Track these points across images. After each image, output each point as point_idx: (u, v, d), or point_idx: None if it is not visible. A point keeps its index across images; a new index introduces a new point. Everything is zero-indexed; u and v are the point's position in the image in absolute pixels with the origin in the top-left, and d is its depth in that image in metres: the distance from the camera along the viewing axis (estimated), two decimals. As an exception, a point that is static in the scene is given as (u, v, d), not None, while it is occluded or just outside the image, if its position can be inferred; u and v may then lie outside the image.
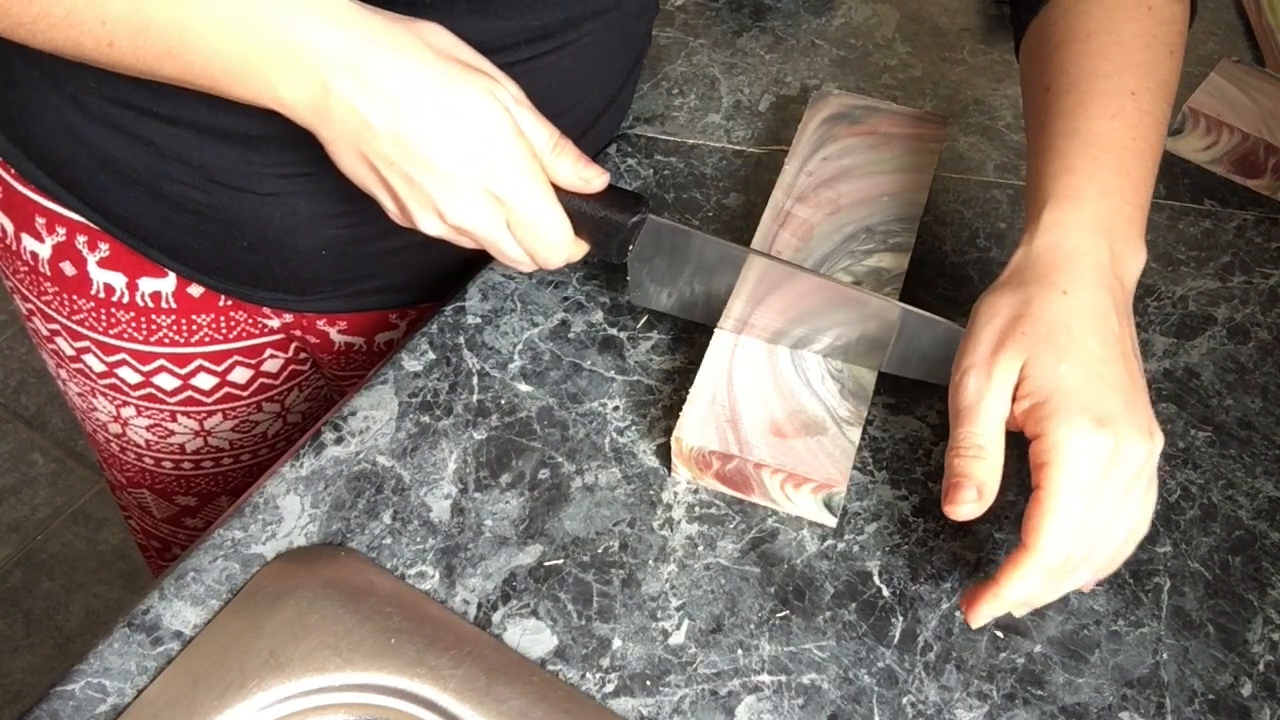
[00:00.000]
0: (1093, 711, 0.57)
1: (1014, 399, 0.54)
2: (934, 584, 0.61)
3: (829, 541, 0.62)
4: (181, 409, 0.81)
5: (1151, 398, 0.56)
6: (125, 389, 0.80)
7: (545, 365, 0.69)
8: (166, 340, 0.77)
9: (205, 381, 0.80)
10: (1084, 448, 0.51)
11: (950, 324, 0.63)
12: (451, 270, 0.76)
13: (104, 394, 0.81)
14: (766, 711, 0.56)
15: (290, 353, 0.83)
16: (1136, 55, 0.61)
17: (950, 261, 0.76)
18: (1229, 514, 0.65)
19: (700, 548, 0.61)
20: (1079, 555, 0.52)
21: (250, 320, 0.79)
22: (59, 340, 0.80)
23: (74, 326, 0.77)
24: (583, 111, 0.74)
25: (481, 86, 0.55)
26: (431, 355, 0.69)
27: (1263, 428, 0.69)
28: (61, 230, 0.73)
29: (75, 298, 0.75)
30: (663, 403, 0.67)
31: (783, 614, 0.59)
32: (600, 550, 0.61)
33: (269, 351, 0.81)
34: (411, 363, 0.69)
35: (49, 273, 0.75)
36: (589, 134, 0.76)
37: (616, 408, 0.67)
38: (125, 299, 0.75)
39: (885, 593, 0.60)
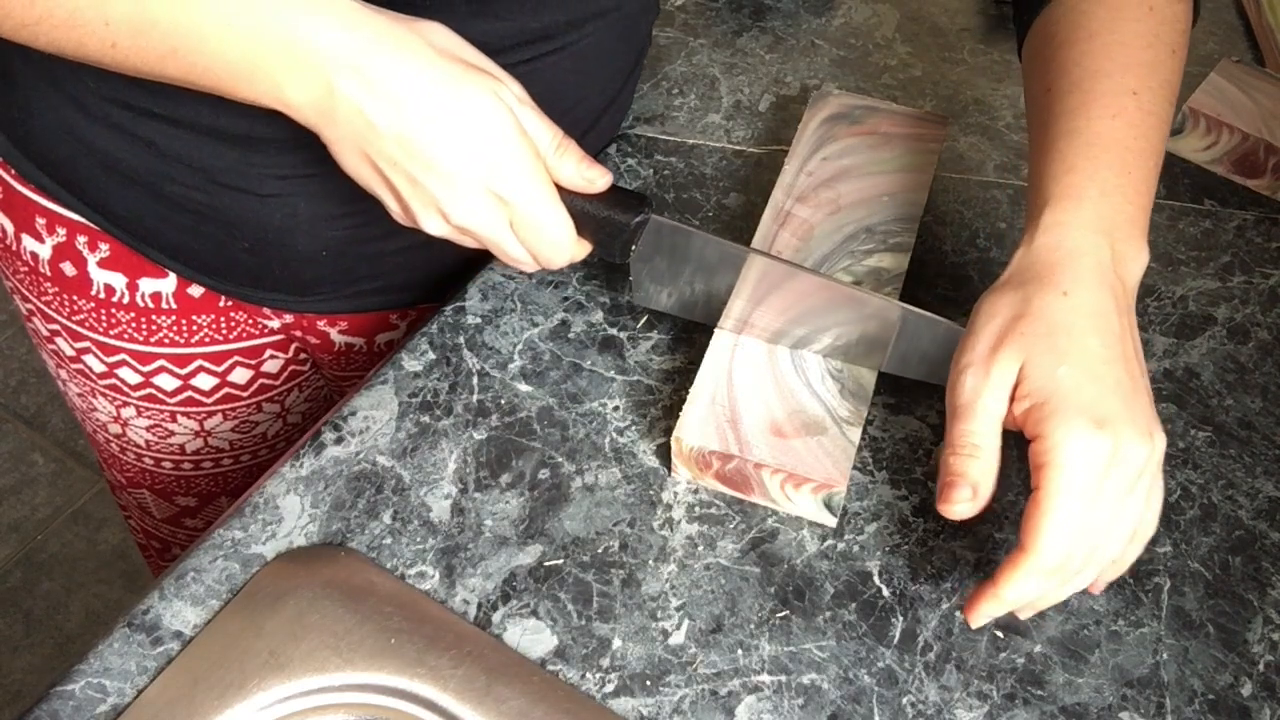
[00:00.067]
0: (1093, 711, 0.57)
1: (1013, 399, 0.54)
2: (934, 584, 0.61)
3: (829, 541, 0.62)
4: (181, 409, 0.81)
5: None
6: (125, 389, 0.80)
7: (545, 365, 0.69)
8: (167, 341, 0.77)
9: (205, 382, 0.80)
10: (1082, 449, 0.51)
11: (950, 324, 0.63)
12: (452, 271, 0.76)
13: (104, 394, 0.81)
14: (766, 711, 0.56)
15: (290, 353, 0.83)
16: (1138, 55, 0.61)
17: (950, 261, 0.76)
18: (1229, 514, 0.65)
19: (700, 548, 0.61)
20: (1079, 557, 0.52)
21: (250, 321, 0.79)
22: (59, 341, 0.80)
23: (74, 327, 0.77)
24: (583, 112, 0.74)
25: (485, 86, 0.55)
26: (431, 355, 0.69)
27: (1263, 428, 0.69)
28: (62, 230, 0.73)
29: (75, 298, 0.75)
30: (663, 403, 0.67)
31: (783, 614, 0.59)
32: (600, 550, 0.61)
33: (269, 352, 0.81)
34: (411, 363, 0.69)
35: (49, 273, 0.75)
36: (589, 134, 0.76)
37: (616, 408, 0.67)
38: (125, 299, 0.75)
39: (885, 593, 0.60)
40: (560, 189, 0.60)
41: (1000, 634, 0.59)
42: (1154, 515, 0.55)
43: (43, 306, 0.78)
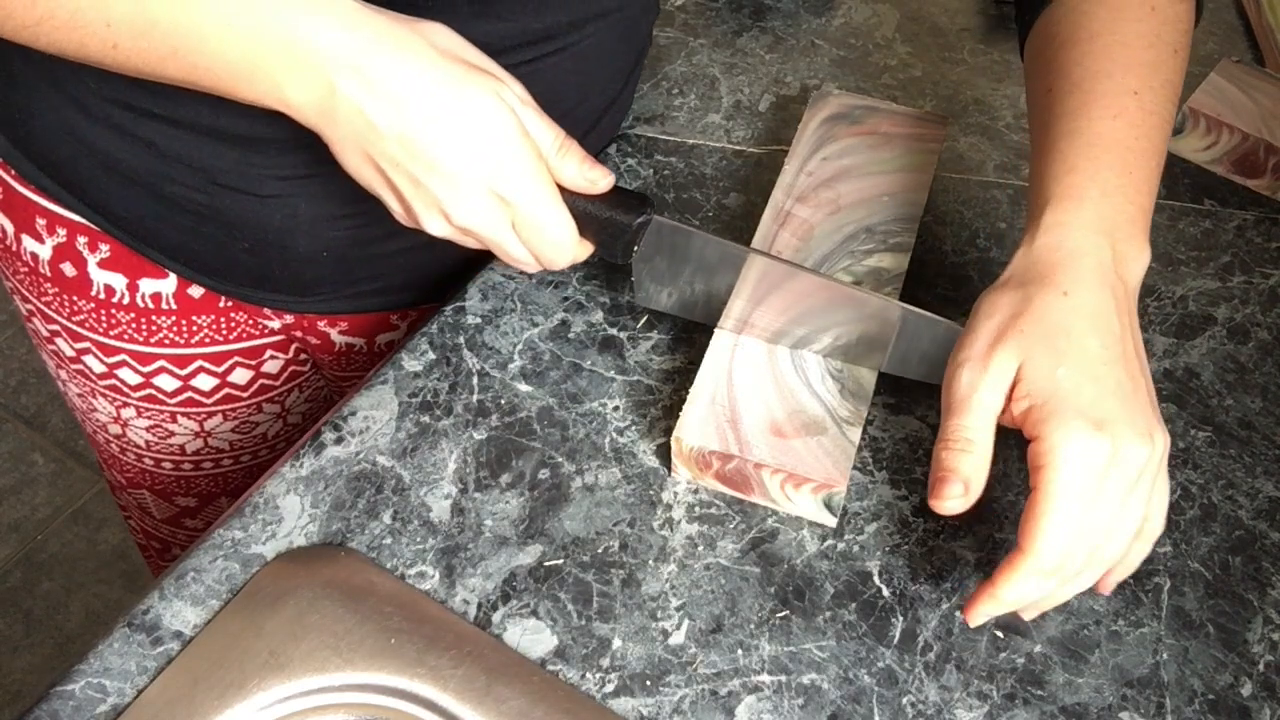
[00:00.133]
0: (1093, 711, 0.57)
1: (1012, 399, 0.54)
2: (934, 584, 0.61)
3: (829, 541, 0.62)
4: (182, 410, 0.81)
5: (1151, 398, 0.56)
6: (125, 390, 0.80)
7: (545, 365, 0.69)
8: (167, 341, 0.77)
9: (205, 382, 0.80)
10: (1080, 451, 0.51)
11: (950, 323, 0.63)
12: (452, 271, 0.76)
13: (104, 395, 0.81)
14: (766, 711, 0.56)
15: (290, 354, 0.83)
16: (1140, 55, 0.61)
17: (950, 261, 0.76)
18: (1229, 514, 0.65)
19: (700, 548, 0.61)
20: (1079, 558, 0.52)
21: (250, 321, 0.79)
22: (59, 341, 0.80)
23: (74, 327, 0.77)
24: (584, 112, 0.74)
25: (487, 87, 0.55)
26: (431, 355, 0.69)
27: (1263, 428, 0.69)
28: (62, 231, 0.73)
29: (75, 299, 0.75)
30: (663, 403, 0.67)
31: (783, 614, 0.59)
32: (600, 550, 0.61)
33: (269, 352, 0.81)
34: (411, 363, 0.69)
35: (49, 274, 0.75)
36: (590, 135, 0.76)
37: (616, 408, 0.67)
38: (125, 300, 0.75)
39: (885, 593, 0.60)
40: (562, 190, 0.60)
41: (1000, 634, 0.59)
42: (1160, 514, 0.55)
43: (43, 307, 0.78)
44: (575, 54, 0.68)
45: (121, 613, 0.58)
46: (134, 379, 0.79)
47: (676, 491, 0.64)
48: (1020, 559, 0.52)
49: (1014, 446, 0.55)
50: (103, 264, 0.73)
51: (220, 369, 0.80)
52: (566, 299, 0.72)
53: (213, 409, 0.82)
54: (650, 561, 0.61)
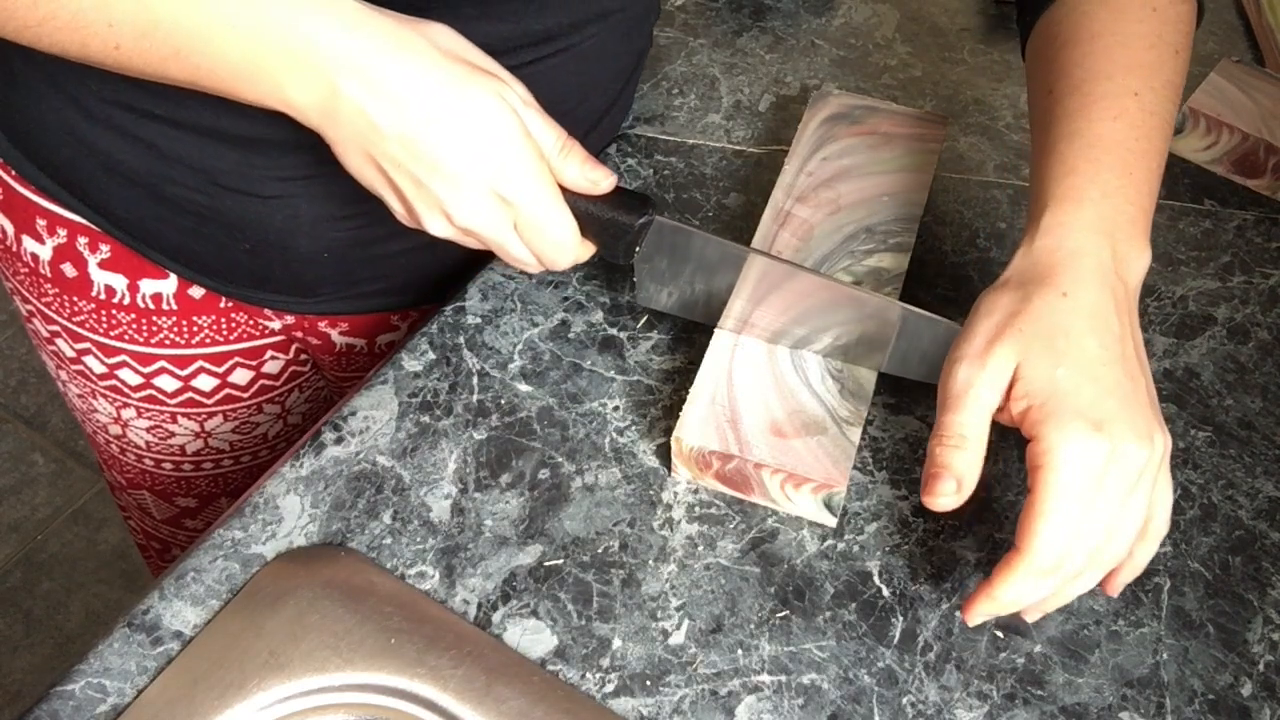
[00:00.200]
0: (1093, 711, 0.57)
1: (1010, 398, 0.54)
2: (934, 584, 0.61)
3: (829, 541, 0.62)
4: (182, 410, 0.81)
5: (1151, 398, 0.56)
6: (125, 390, 0.80)
7: (545, 365, 0.69)
8: (167, 342, 0.77)
9: (206, 383, 0.80)
10: (1078, 452, 0.51)
11: (950, 323, 0.63)
12: (453, 272, 0.76)
13: (104, 395, 0.81)
14: (766, 711, 0.56)
15: (291, 354, 0.83)
16: (1140, 56, 0.61)
17: (950, 261, 0.76)
18: (1229, 514, 0.65)
19: (700, 548, 0.61)
20: (1078, 559, 0.52)
21: (251, 322, 0.79)
22: (59, 342, 0.80)
23: (74, 328, 0.77)
24: (585, 113, 0.74)
25: (489, 88, 0.55)
26: (431, 355, 0.69)
27: (1263, 428, 0.69)
28: (62, 232, 0.73)
29: (76, 299, 0.75)
30: (663, 403, 0.67)
31: (783, 614, 0.59)
32: (600, 550, 0.61)
33: (270, 353, 0.81)
34: (411, 363, 0.69)
35: (49, 274, 0.75)
36: (591, 135, 0.76)
37: (616, 408, 0.67)
38: (126, 300, 0.75)
39: (885, 593, 0.60)
40: (564, 190, 0.60)
41: (1000, 634, 0.59)
42: (1164, 514, 0.54)
43: (43, 308, 0.78)
44: (576, 55, 0.68)
45: (121, 613, 0.58)
46: (134, 379, 0.79)
47: (676, 491, 0.64)
48: (1017, 559, 0.52)
49: (1014, 446, 0.55)
50: (103, 264, 0.73)
51: (221, 369, 0.80)
52: (566, 299, 0.72)
53: (213, 409, 0.82)
54: (650, 561, 0.61)
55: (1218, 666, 0.59)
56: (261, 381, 0.82)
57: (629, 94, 0.80)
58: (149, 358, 0.78)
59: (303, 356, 0.84)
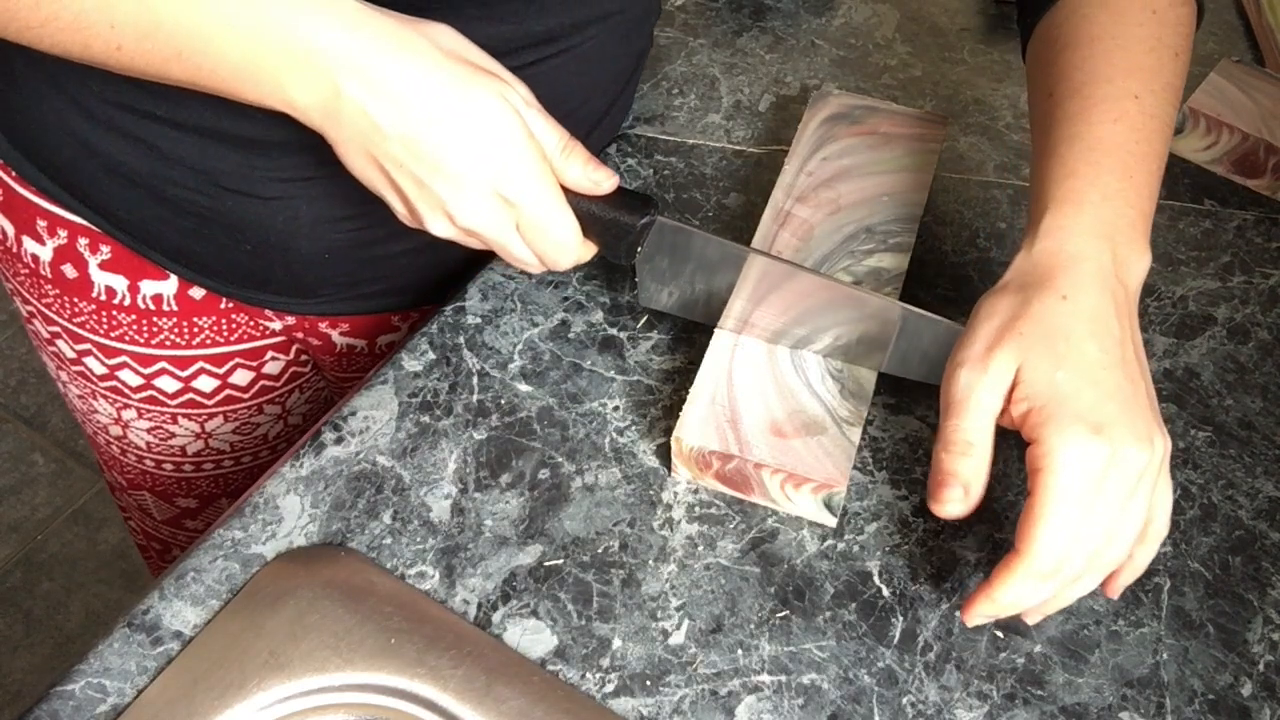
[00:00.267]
0: (1093, 711, 0.57)
1: (1010, 401, 0.54)
2: (934, 584, 0.61)
3: (829, 541, 0.62)
4: (182, 411, 0.81)
5: (1151, 398, 0.56)
6: (126, 391, 0.80)
7: (545, 365, 0.69)
8: (168, 343, 0.77)
9: (206, 384, 0.80)
10: (1078, 455, 0.51)
11: (950, 323, 0.63)
12: (454, 273, 0.76)
13: (104, 396, 0.81)
14: (766, 711, 0.56)
15: (291, 355, 0.83)
16: (1141, 59, 0.61)
17: (950, 261, 0.76)
18: (1229, 514, 0.65)
19: (700, 548, 0.61)
20: (1078, 561, 0.52)
21: (251, 322, 0.79)
22: (59, 343, 0.80)
23: (75, 329, 0.77)
24: (586, 114, 0.74)
25: (491, 88, 0.55)
26: (431, 355, 0.69)
27: (1263, 428, 0.69)
28: (63, 233, 0.73)
29: (76, 300, 0.75)
30: (663, 403, 0.68)
31: (783, 614, 0.59)
32: (600, 550, 0.61)
33: (270, 354, 0.81)
34: (411, 363, 0.69)
35: (50, 275, 0.75)
36: (592, 136, 0.76)
37: (616, 408, 0.67)
38: (126, 301, 0.75)
39: (885, 593, 0.60)
40: (566, 191, 0.60)
41: (1000, 634, 0.59)
42: (1164, 517, 0.54)
43: (43, 309, 0.78)
44: (577, 56, 0.68)
45: (121, 613, 0.58)
46: (135, 380, 0.79)
47: (676, 491, 0.64)
48: (1016, 561, 0.52)
49: (1014, 447, 0.55)
50: (104, 265, 0.73)
51: (221, 370, 0.80)
52: (566, 299, 0.73)
53: (213, 410, 0.82)
54: (650, 561, 0.61)
55: (1218, 666, 0.59)
56: (262, 382, 0.82)
57: (629, 94, 0.80)
58: (149, 359, 0.78)
59: (303, 357, 0.84)
